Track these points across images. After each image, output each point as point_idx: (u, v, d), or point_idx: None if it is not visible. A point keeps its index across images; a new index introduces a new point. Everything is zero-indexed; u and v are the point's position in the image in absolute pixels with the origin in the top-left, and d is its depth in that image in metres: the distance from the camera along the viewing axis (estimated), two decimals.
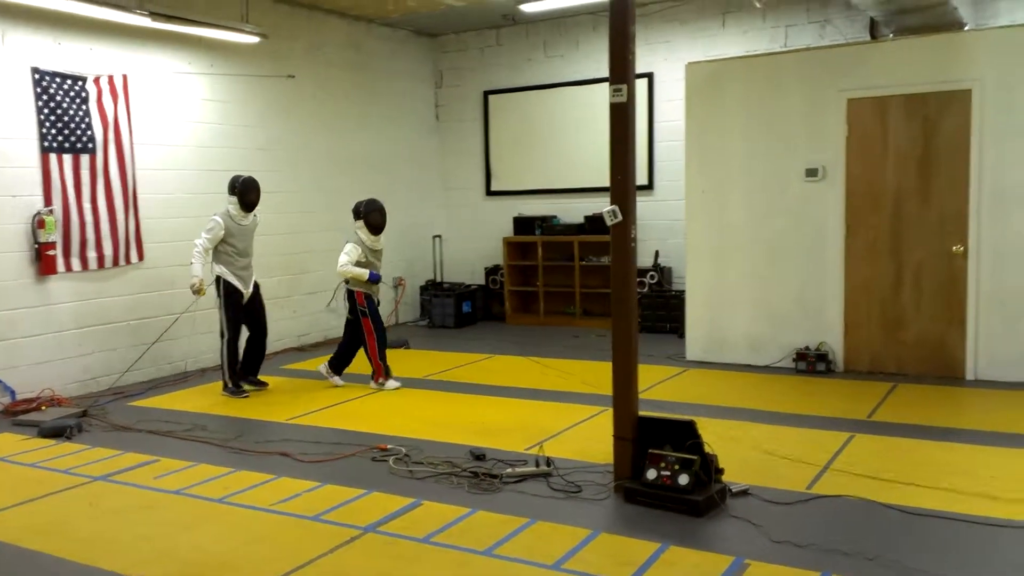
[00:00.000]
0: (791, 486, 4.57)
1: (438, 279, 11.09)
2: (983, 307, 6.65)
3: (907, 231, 6.89)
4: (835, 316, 7.21)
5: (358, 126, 10.11)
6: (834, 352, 7.21)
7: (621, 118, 4.54)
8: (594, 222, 9.63)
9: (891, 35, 7.52)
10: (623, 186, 4.56)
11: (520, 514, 4.26)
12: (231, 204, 6.99)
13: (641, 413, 4.65)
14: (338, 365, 7.36)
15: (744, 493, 4.47)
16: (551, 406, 6.41)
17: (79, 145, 7.14)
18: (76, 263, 7.17)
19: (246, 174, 7.19)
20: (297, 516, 4.37)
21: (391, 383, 7.17)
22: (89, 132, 7.20)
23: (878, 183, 6.96)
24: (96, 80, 7.26)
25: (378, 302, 7.30)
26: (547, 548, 3.87)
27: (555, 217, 10.40)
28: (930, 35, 6.92)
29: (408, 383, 7.32)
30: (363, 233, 7.12)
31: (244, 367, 7.20)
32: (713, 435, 4.66)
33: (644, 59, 9.57)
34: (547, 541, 3.95)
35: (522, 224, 10.49)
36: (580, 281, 10.08)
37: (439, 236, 11.18)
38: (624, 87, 4.50)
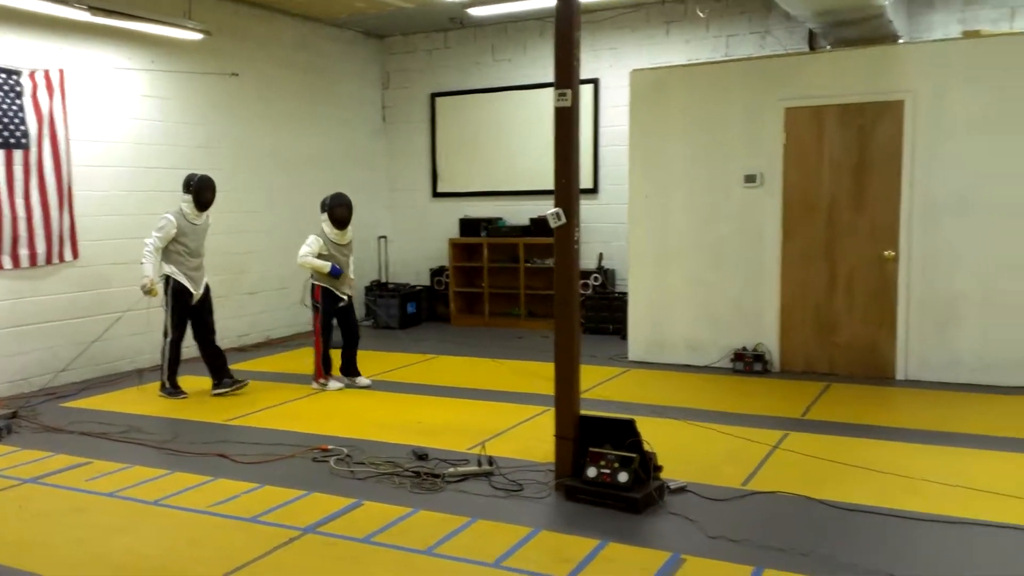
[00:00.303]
0: (727, 483, 4.67)
1: (383, 280, 11.04)
2: (913, 311, 6.89)
3: (841, 237, 7.09)
4: (772, 318, 7.39)
5: (303, 126, 10.02)
6: (771, 353, 7.38)
7: (565, 122, 4.60)
8: (539, 224, 9.70)
9: (828, 46, 7.74)
10: (567, 189, 4.61)
11: (462, 513, 4.28)
12: (185, 203, 6.80)
13: (582, 412, 4.70)
14: (348, 368, 7.30)
15: (682, 490, 4.55)
16: (494, 406, 6.44)
17: (12, 140, 6.93)
18: (7, 261, 6.96)
19: (201, 172, 7.01)
20: (235, 518, 4.31)
21: (333, 383, 7.10)
22: (23, 127, 7.00)
23: (814, 190, 7.16)
24: (32, 75, 7.07)
25: (346, 300, 7.19)
26: (488, 546, 3.89)
27: (501, 219, 10.44)
28: (866, 47, 7.14)
29: (351, 383, 7.27)
30: (327, 227, 7.05)
31: (212, 373, 6.98)
32: (653, 434, 4.73)
33: (590, 65, 9.68)
34: (488, 539, 3.97)
35: (468, 226, 10.51)
36: (525, 283, 10.14)
37: (384, 237, 11.14)
38: (569, 91, 4.56)
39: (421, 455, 5.14)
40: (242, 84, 9.14)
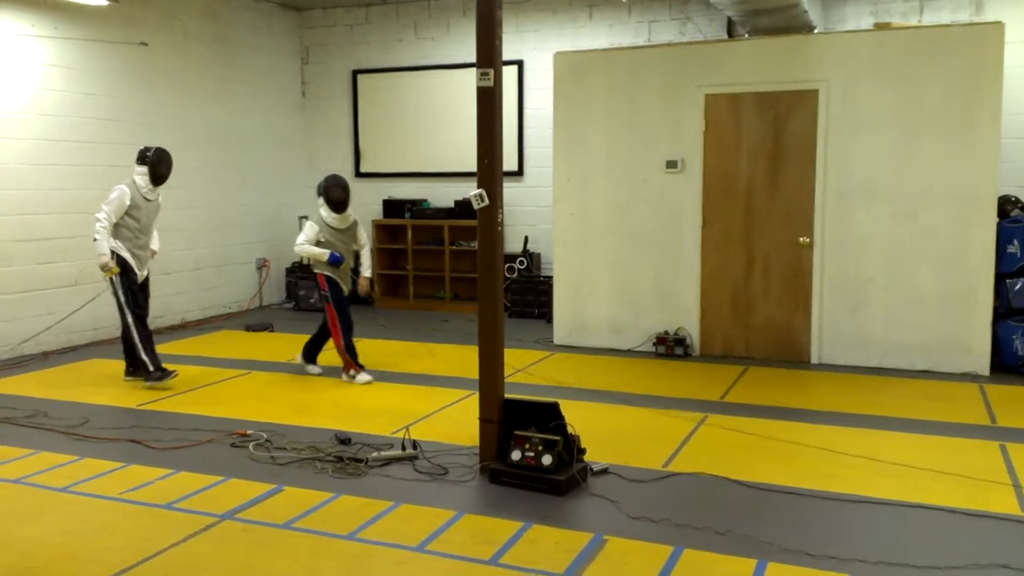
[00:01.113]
0: (649, 464, 4.75)
1: (305, 261, 10.80)
2: (826, 295, 7.12)
3: (758, 222, 7.27)
4: (692, 302, 7.54)
5: (218, 101, 9.70)
6: (691, 336, 7.54)
7: (488, 102, 4.57)
8: (464, 207, 9.65)
9: (747, 35, 7.89)
10: (490, 170, 4.59)
11: (385, 498, 4.24)
12: (139, 175, 6.40)
13: (507, 396, 4.71)
14: (310, 352, 6.94)
15: (604, 472, 4.61)
16: (419, 390, 6.40)
17: None
18: None
19: (156, 145, 6.63)
20: (148, 505, 4.18)
21: (362, 376, 6.61)
22: None
23: (732, 176, 7.31)
24: None
25: (349, 290, 6.80)
26: (411, 530, 3.87)
27: (425, 201, 10.34)
28: (782, 37, 7.30)
29: (271, 367, 7.12)
30: (324, 211, 6.63)
31: (130, 359, 6.57)
32: (577, 417, 4.78)
33: (514, 47, 9.66)
34: (411, 523, 3.95)
35: (392, 207, 10.38)
36: (450, 265, 10.09)
37: (305, 217, 10.87)
38: (491, 71, 4.53)
39: (344, 440, 5.07)
40: (152, 55, 8.77)
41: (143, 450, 5.00)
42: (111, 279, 6.35)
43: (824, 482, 4.48)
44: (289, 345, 7.96)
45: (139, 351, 6.39)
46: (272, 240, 10.54)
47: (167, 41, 8.97)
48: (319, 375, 6.83)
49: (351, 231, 6.80)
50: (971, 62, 6.56)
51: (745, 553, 3.63)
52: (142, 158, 6.46)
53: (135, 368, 6.59)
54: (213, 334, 8.63)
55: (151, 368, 6.40)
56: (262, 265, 10.32)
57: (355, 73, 10.73)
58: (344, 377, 6.68)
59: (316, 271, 6.71)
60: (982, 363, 6.70)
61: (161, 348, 7.87)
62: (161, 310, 8.99)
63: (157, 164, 6.43)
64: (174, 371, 6.49)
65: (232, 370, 7.01)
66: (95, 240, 6.25)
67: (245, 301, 10.13)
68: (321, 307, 6.82)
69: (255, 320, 9.23)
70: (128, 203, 6.32)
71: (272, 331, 8.80)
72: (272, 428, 5.38)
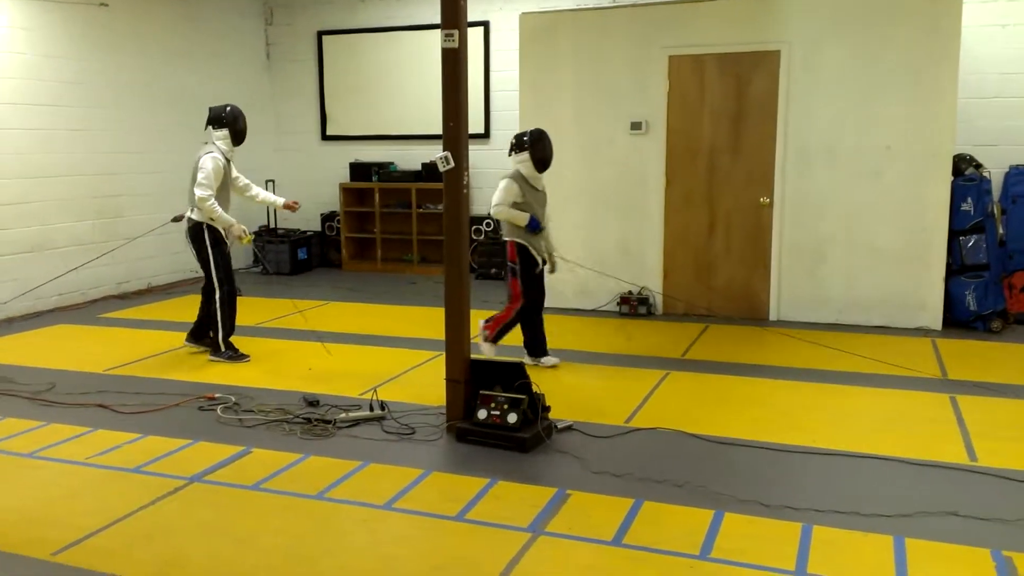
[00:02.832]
0: (611, 421, 4.87)
1: (272, 225, 10.76)
2: (785, 254, 7.25)
3: (720, 183, 7.36)
4: (655, 262, 7.63)
5: (181, 62, 9.54)
6: (654, 296, 7.65)
7: (453, 64, 4.57)
8: (431, 169, 9.63)
9: None
10: (455, 132, 4.61)
11: (353, 458, 4.32)
12: (220, 139, 6.01)
13: (473, 356, 4.79)
14: (533, 346, 6.06)
15: (569, 429, 4.72)
16: (386, 351, 6.45)
17: None
18: None
19: (224, 104, 6.23)
20: (116, 469, 4.22)
21: (487, 347, 5.94)
22: None
23: (695, 137, 7.38)
24: None
25: (541, 264, 5.95)
26: (378, 489, 3.95)
27: (392, 164, 10.31)
28: None
29: (240, 331, 7.10)
30: (524, 168, 5.79)
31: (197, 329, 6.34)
32: (541, 376, 4.88)
33: (480, 7, 9.58)
34: (379, 482, 4.03)
35: (359, 170, 10.33)
36: (417, 228, 10.09)
37: (272, 181, 10.81)
38: (456, 32, 4.52)
39: (312, 402, 5.13)
40: (112, 16, 8.60)
41: (110, 415, 5.02)
42: (209, 253, 6.04)
43: (780, 435, 4.62)
44: (258, 308, 7.97)
45: (219, 330, 6.15)
46: (241, 205, 10.41)
47: (128, 1, 8.78)
48: (555, 366, 6.01)
49: (544, 193, 6.00)
50: (930, 22, 6.65)
51: (703, 504, 3.76)
52: (217, 120, 6.04)
53: (198, 339, 6.36)
54: (181, 298, 8.59)
55: (223, 349, 6.19)
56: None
57: (320, 34, 10.59)
58: (528, 360, 5.98)
59: (506, 238, 5.89)
60: (935, 318, 6.89)
61: (127, 312, 7.87)
62: (127, 274, 8.95)
63: (236, 120, 6.07)
64: (247, 355, 6.23)
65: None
66: (213, 217, 5.95)
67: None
68: (503, 278, 6.10)
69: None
70: (223, 171, 6.00)
71: (240, 295, 8.75)
72: (240, 391, 5.42)
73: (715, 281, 7.49)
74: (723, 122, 7.27)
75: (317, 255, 10.63)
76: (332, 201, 10.64)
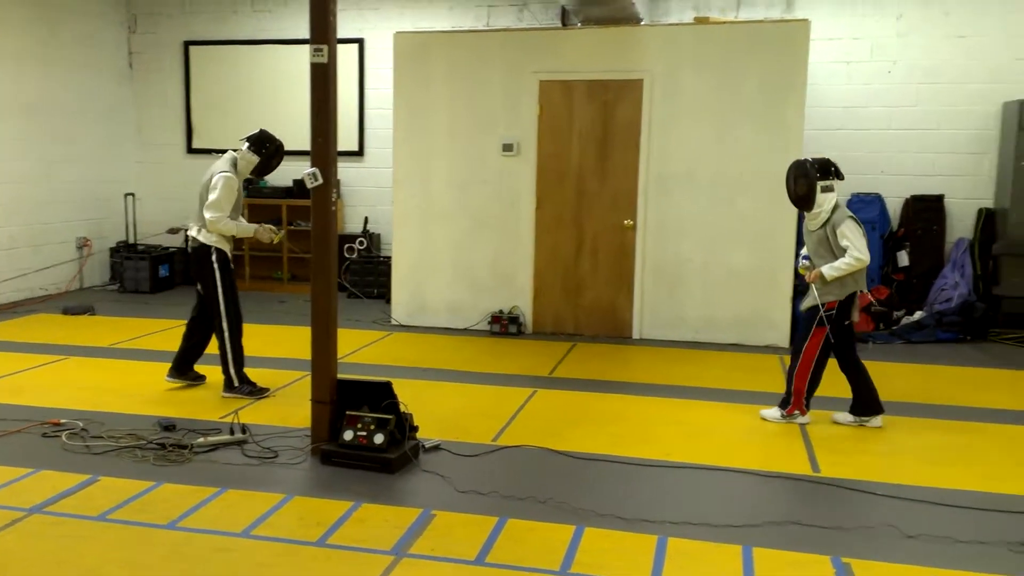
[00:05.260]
0: (479, 439, 4.90)
1: (131, 240, 10.28)
2: (647, 275, 7.53)
3: (588, 206, 7.58)
4: (526, 282, 7.77)
5: (37, 68, 9.02)
6: (524, 315, 7.78)
7: (322, 79, 4.53)
8: (302, 186, 9.37)
9: (579, 24, 8.16)
10: (324, 149, 4.58)
11: (210, 484, 4.17)
12: (244, 160, 5.64)
13: (340, 376, 4.72)
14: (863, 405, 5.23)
15: (437, 448, 4.72)
16: (250, 373, 6.24)
17: None
18: None
19: (270, 132, 5.81)
20: None
21: (805, 418, 5.26)
22: None
23: (564, 160, 7.58)
24: None
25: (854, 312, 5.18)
26: (236, 516, 3.83)
27: (262, 180, 10.04)
28: (611, 27, 7.60)
29: (89, 352, 6.76)
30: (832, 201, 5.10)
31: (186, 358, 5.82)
32: (411, 395, 4.86)
33: (354, 24, 9.54)
34: (237, 509, 3.91)
35: None
36: (288, 246, 9.86)
37: (132, 194, 10.35)
38: (325, 47, 4.49)
39: (168, 426, 4.92)
40: None
41: None
42: (218, 283, 5.60)
43: (639, 449, 4.78)
44: (112, 328, 7.58)
45: (230, 364, 5.63)
46: (97, 219, 9.96)
47: None
48: (806, 422, 5.29)
49: (819, 233, 5.13)
50: (781, 57, 7.09)
51: (564, 520, 3.84)
52: (259, 145, 5.67)
53: (182, 372, 5.83)
54: (27, 317, 8.07)
55: (236, 383, 5.66)
56: (83, 245, 9.73)
57: (187, 44, 10.25)
58: (778, 417, 5.28)
59: (831, 297, 5.06)
60: (783, 336, 7.31)
61: None
62: None
63: (272, 156, 5.70)
64: (267, 389, 5.75)
65: (47, 356, 6.60)
66: (234, 232, 5.60)
67: (64, 283, 9.53)
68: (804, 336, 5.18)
69: (74, 303, 8.70)
70: (236, 195, 5.58)
71: (93, 314, 8.33)
72: (89, 416, 5.13)
73: (583, 300, 7.69)
74: (591, 146, 7.50)
75: (181, 273, 10.22)
76: (191, 215, 10.25)
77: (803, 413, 5.22)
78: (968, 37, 8.16)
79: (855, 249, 4.94)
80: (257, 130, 5.83)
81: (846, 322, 5.14)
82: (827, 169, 5.07)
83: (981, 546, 3.63)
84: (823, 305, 5.04)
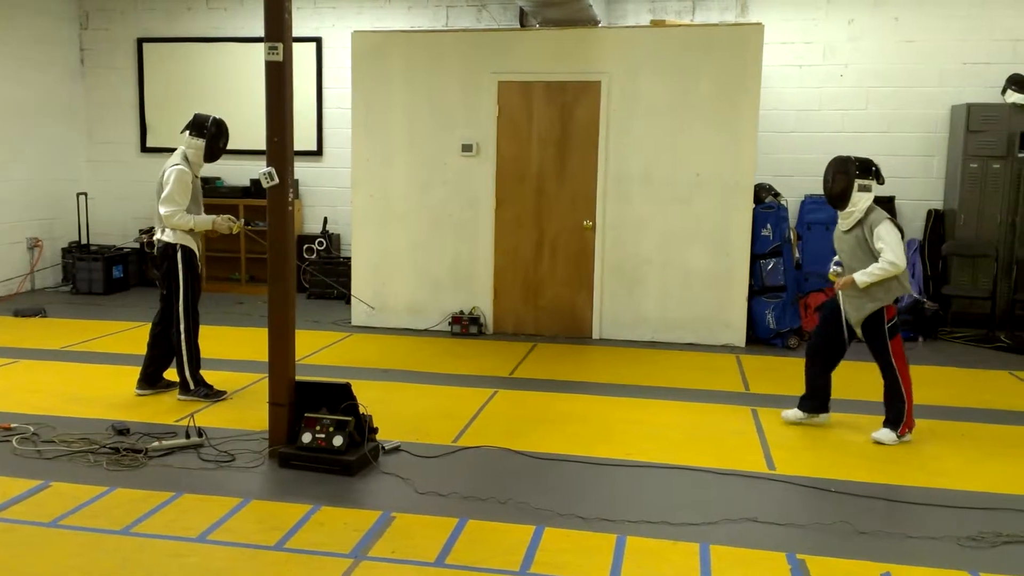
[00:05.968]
0: (439, 440, 4.90)
1: (84, 241, 10.07)
2: (607, 275, 7.59)
3: (547, 206, 7.62)
4: (486, 282, 7.78)
5: None
6: (485, 316, 7.79)
7: (277, 78, 4.50)
8: (260, 186, 9.35)
9: (538, 25, 8.19)
10: (280, 148, 4.54)
11: (165, 489, 4.11)
12: (192, 149, 5.50)
13: (298, 378, 4.69)
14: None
15: (396, 450, 4.71)
16: (207, 375, 6.16)
17: None
18: None
19: (208, 114, 5.68)
20: None
21: (908, 437, 5.01)
22: None
23: (524, 161, 7.60)
24: None
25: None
26: (192, 521, 3.79)
27: (219, 179, 9.92)
28: (569, 29, 7.65)
29: (40, 355, 6.62)
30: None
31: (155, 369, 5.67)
32: (370, 397, 4.84)
33: (311, 23, 9.48)
34: (192, 514, 3.87)
35: None
36: (246, 246, 9.76)
37: (84, 194, 10.14)
38: (280, 45, 4.46)
39: (121, 430, 4.84)
40: None
41: None
42: (179, 280, 5.46)
43: (598, 449, 4.82)
44: (64, 330, 7.43)
45: (185, 366, 5.50)
46: (48, 219, 9.75)
47: None
48: (823, 423, 5.30)
49: (851, 235, 4.98)
50: (735, 60, 7.19)
51: (524, 520, 3.86)
52: (199, 128, 5.52)
53: (153, 383, 5.69)
54: None
55: (192, 386, 5.54)
56: (34, 245, 9.51)
57: (140, 41, 10.08)
58: (891, 438, 4.96)
59: (882, 302, 4.93)
60: (739, 336, 7.42)
61: None
62: None
63: (216, 137, 5.54)
64: (224, 392, 5.64)
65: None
66: (190, 225, 5.43)
67: (14, 284, 9.31)
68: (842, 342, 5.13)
69: (25, 304, 8.51)
70: (190, 183, 5.43)
71: (44, 316, 8.16)
72: (40, 420, 5.03)
73: (542, 301, 7.72)
74: (550, 147, 7.53)
75: (135, 274, 10.05)
76: (153, 216, 10.08)
77: (911, 429, 5.00)
78: (917, 42, 8.36)
79: (890, 252, 4.76)
80: (192, 116, 5.69)
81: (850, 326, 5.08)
82: (868, 168, 4.88)
83: (932, 541, 3.73)
84: (883, 313, 4.91)
